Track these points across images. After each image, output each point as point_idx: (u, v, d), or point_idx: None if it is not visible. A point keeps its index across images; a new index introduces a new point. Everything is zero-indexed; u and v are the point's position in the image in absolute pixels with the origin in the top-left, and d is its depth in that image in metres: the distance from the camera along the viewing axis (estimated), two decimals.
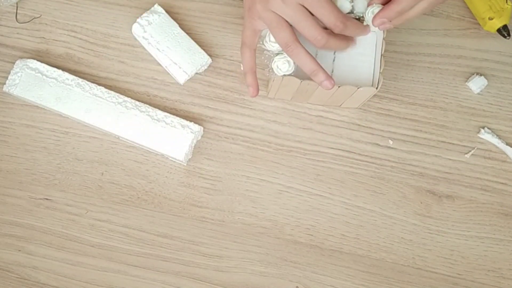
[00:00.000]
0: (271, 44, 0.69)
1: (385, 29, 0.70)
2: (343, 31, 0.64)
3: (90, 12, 0.82)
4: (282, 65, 0.69)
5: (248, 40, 0.70)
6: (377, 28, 0.68)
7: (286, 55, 0.69)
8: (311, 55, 0.67)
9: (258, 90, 0.72)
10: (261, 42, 0.70)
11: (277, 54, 0.69)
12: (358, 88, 0.71)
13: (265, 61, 0.71)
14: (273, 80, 0.72)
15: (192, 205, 0.78)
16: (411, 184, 0.79)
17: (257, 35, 0.69)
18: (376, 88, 0.71)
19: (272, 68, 0.70)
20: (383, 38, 0.72)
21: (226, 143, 0.79)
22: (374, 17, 0.67)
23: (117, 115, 0.77)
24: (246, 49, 0.70)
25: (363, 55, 0.74)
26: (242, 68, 0.71)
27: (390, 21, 0.67)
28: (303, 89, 0.74)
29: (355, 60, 0.74)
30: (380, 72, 0.72)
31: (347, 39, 0.67)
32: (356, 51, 0.74)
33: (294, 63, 0.69)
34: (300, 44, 0.66)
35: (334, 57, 0.74)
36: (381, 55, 0.72)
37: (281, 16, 0.65)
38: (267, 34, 0.69)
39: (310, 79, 0.71)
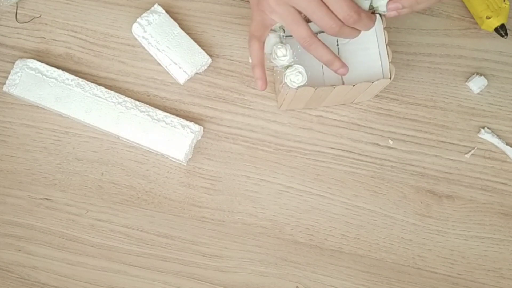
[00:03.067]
0: (279, 60, 0.69)
1: (394, 16, 0.69)
2: (356, 22, 0.64)
3: (90, 12, 0.82)
4: (295, 78, 0.69)
5: (258, 33, 0.69)
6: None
7: (296, 67, 0.69)
8: (327, 46, 0.67)
9: (266, 83, 0.71)
10: (268, 61, 0.70)
11: (287, 67, 0.69)
12: (373, 82, 0.71)
13: (278, 77, 0.71)
14: (287, 94, 0.72)
15: (192, 205, 0.78)
16: (411, 184, 0.79)
17: (267, 29, 0.69)
18: (390, 78, 0.71)
19: (286, 83, 0.69)
20: (384, 28, 0.72)
21: (226, 143, 0.79)
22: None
23: (117, 115, 0.77)
24: (255, 41, 0.69)
25: (367, 49, 0.74)
26: (250, 61, 0.70)
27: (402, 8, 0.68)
28: (317, 96, 0.74)
29: (360, 55, 0.74)
30: (389, 62, 0.72)
31: (334, 56, 0.69)
32: (358, 47, 0.74)
33: (307, 72, 0.69)
34: (317, 37, 0.67)
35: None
36: (386, 45, 0.72)
37: (295, 9, 0.65)
38: (273, 51, 0.69)
39: (321, 84, 0.71)
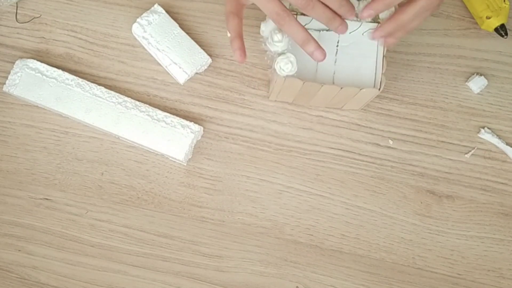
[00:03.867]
0: (274, 44, 0.69)
1: (390, 44, 0.71)
2: None
3: (90, 12, 0.82)
4: (285, 66, 0.69)
5: (235, 9, 0.68)
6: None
7: (287, 55, 0.69)
8: (302, 26, 0.65)
9: (245, 54, 0.69)
10: (263, 44, 0.70)
11: (280, 54, 0.69)
12: (361, 89, 0.71)
13: (268, 61, 0.71)
14: (275, 81, 0.72)
15: (192, 205, 0.78)
16: (411, 184, 0.79)
17: (243, 7, 0.69)
18: (379, 89, 0.71)
19: (275, 69, 0.70)
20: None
21: (226, 143, 0.79)
22: (376, 29, 0.70)
23: (117, 115, 0.77)
24: (234, 16, 0.68)
25: (365, 57, 0.74)
26: (228, 35, 0.69)
27: (394, 37, 0.70)
28: (305, 91, 0.74)
29: (357, 61, 0.74)
30: (382, 73, 0.72)
31: (333, 13, 0.65)
32: (358, 52, 0.74)
33: (297, 63, 0.69)
34: (290, 13, 0.65)
35: (336, 59, 0.74)
36: (383, 56, 0.72)
37: None
38: (270, 35, 0.69)
39: (312, 81, 0.71)
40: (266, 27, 0.70)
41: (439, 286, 0.77)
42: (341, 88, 0.71)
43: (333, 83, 0.74)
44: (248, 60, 0.81)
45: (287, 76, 0.70)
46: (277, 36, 0.69)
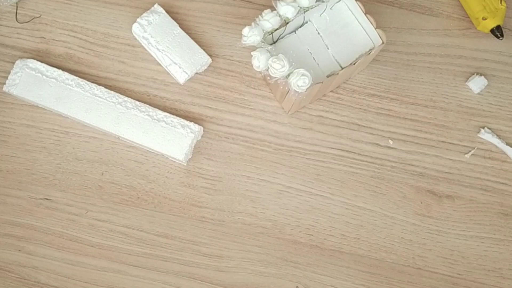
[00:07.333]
0: (279, 72, 0.69)
1: None
2: None
3: (90, 12, 0.82)
4: (302, 81, 0.69)
5: None
6: None
7: (297, 71, 0.69)
8: None
9: None
10: (268, 78, 0.70)
11: (289, 74, 0.69)
12: (370, 53, 0.72)
13: (280, 87, 0.71)
14: (296, 98, 0.72)
15: (192, 205, 0.78)
16: (411, 184, 0.79)
17: None
18: (383, 42, 0.73)
19: (295, 90, 0.69)
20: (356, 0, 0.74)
21: (226, 143, 0.79)
22: None
23: (117, 115, 0.77)
24: None
25: (347, 25, 0.76)
26: None
27: None
28: (324, 87, 0.75)
29: (343, 33, 0.76)
30: (375, 28, 0.73)
31: None
32: (338, 26, 0.75)
33: (311, 73, 0.69)
34: None
35: (326, 44, 0.76)
36: (365, 13, 0.73)
37: None
38: (270, 67, 0.69)
39: (319, 74, 0.73)
40: (260, 61, 0.69)
41: (439, 286, 0.77)
42: (354, 63, 0.72)
43: (339, 64, 0.75)
44: (248, 60, 0.81)
45: (307, 87, 0.70)
46: (278, 64, 0.68)
